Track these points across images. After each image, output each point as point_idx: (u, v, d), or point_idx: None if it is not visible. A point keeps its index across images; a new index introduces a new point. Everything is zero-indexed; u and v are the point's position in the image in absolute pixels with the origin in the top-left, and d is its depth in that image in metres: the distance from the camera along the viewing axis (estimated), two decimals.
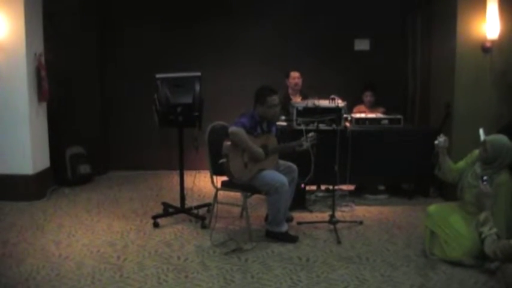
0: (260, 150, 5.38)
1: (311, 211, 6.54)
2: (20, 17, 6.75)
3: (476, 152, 4.85)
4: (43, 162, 7.36)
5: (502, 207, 4.47)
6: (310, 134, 5.72)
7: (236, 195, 6.05)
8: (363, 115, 7.16)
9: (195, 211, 6.15)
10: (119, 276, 4.52)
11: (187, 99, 5.88)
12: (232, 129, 5.29)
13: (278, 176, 5.37)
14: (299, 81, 7.74)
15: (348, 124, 6.87)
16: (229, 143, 5.31)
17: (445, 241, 4.76)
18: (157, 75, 5.93)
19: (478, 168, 4.74)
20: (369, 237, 5.57)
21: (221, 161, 5.41)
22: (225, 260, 4.92)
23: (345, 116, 6.64)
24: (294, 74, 7.75)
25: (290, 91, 7.78)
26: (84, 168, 8.15)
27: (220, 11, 8.72)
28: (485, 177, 4.29)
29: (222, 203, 5.86)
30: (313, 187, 7.32)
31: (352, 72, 8.62)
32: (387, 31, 8.70)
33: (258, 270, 4.65)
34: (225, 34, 8.79)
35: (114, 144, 8.95)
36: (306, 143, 5.64)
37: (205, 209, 6.34)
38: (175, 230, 5.78)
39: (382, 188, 7.31)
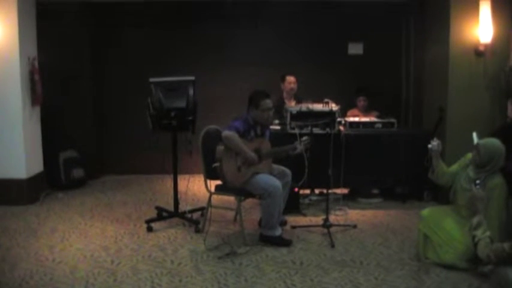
0: (253, 155, 5.37)
1: (305, 215, 6.53)
2: (13, 21, 6.75)
3: (469, 155, 4.86)
4: (36, 166, 7.34)
5: (495, 210, 4.49)
6: (304, 138, 5.73)
7: (230, 199, 6.05)
8: (356, 119, 7.17)
9: (189, 215, 6.14)
10: (113, 280, 4.51)
11: (181, 104, 5.89)
12: (226, 133, 5.29)
13: (272, 179, 5.37)
14: (295, 86, 7.71)
15: (341, 128, 6.88)
16: (222, 147, 5.32)
17: (439, 244, 4.76)
18: (151, 79, 5.93)
19: (471, 172, 4.76)
20: (363, 241, 5.57)
21: (214, 165, 5.40)
22: (219, 264, 4.91)
23: (338, 119, 6.66)
24: (290, 79, 7.72)
25: (285, 95, 7.77)
26: (78, 172, 8.14)
27: (215, 15, 8.73)
28: (477, 181, 4.31)
29: (215, 207, 5.86)
30: (307, 191, 7.32)
31: (346, 76, 8.65)
32: (380, 35, 8.73)
33: (252, 274, 4.65)
34: (219, 38, 8.81)
35: (108, 148, 8.94)
36: (299, 146, 5.64)
37: (199, 213, 6.34)
38: (169, 234, 5.78)
39: (376, 191, 7.31)
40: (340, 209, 6.71)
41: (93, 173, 8.62)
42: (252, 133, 5.55)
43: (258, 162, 5.44)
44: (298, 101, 7.47)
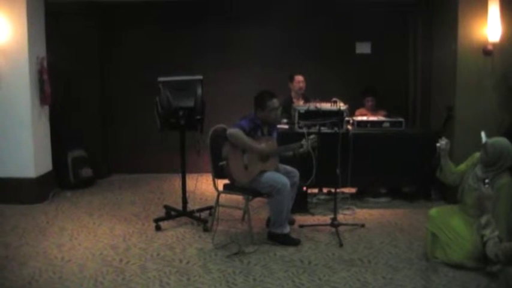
0: (262, 146, 5.40)
1: (313, 214, 6.54)
2: (22, 21, 6.78)
3: (477, 154, 4.85)
4: (45, 165, 7.38)
5: (503, 209, 4.47)
6: (312, 136, 5.71)
7: (238, 198, 6.06)
8: (364, 118, 7.16)
9: (197, 214, 6.15)
10: (121, 279, 4.53)
11: (189, 103, 5.91)
12: (230, 131, 5.32)
13: (279, 177, 5.38)
14: (303, 85, 7.73)
15: (349, 127, 6.89)
16: (228, 146, 5.33)
17: (447, 244, 4.76)
18: (159, 79, 5.95)
19: (479, 171, 4.75)
20: (371, 240, 5.57)
21: (221, 163, 5.41)
22: (227, 263, 4.92)
23: (346, 119, 6.66)
24: (298, 78, 7.74)
25: (293, 94, 7.79)
26: (86, 172, 8.16)
27: (222, 13, 8.74)
28: (487, 180, 4.29)
29: (224, 206, 5.89)
30: (315, 190, 7.32)
31: (354, 75, 8.62)
32: (388, 34, 8.72)
33: (260, 273, 4.66)
34: (227, 37, 8.81)
35: (116, 148, 8.96)
36: (305, 145, 5.60)
37: (207, 212, 6.34)
38: (177, 233, 5.79)
39: (383, 190, 7.31)
40: (348, 208, 6.71)
41: (101, 172, 8.65)
42: (259, 132, 5.55)
43: (266, 160, 5.46)
44: (306, 100, 7.48)
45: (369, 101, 7.79)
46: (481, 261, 4.49)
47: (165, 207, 6.46)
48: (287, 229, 5.47)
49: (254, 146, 5.37)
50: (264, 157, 5.48)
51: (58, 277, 4.56)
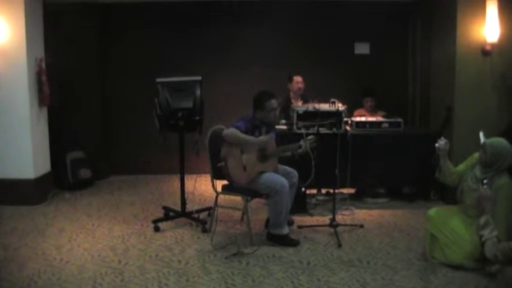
0: (261, 138, 5.42)
1: (312, 215, 6.54)
2: (20, 22, 6.78)
3: (476, 155, 4.85)
4: (44, 166, 7.37)
5: (502, 210, 4.47)
6: (310, 137, 5.71)
7: (237, 199, 6.05)
8: (363, 119, 7.15)
9: (196, 215, 6.15)
10: (120, 280, 4.53)
11: (188, 104, 5.90)
12: (225, 132, 5.34)
13: (278, 177, 5.37)
14: (302, 85, 7.73)
15: (348, 128, 6.88)
16: (226, 147, 5.33)
17: (446, 244, 4.75)
18: (158, 80, 5.95)
19: (477, 171, 4.75)
20: (370, 241, 5.57)
21: (220, 164, 5.40)
22: (226, 263, 4.92)
23: (345, 119, 6.65)
24: (297, 79, 7.74)
25: (292, 95, 7.78)
26: (85, 173, 8.16)
27: (221, 15, 8.75)
28: (485, 181, 4.30)
29: (222, 207, 5.88)
30: (314, 191, 7.32)
31: (353, 75, 8.63)
32: (387, 35, 8.72)
33: (259, 274, 4.66)
34: (226, 38, 8.81)
35: (115, 149, 8.96)
36: (304, 145, 5.60)
37: (206, 213, 6.34)
38: (176, 234, 5.79)
39: (382, 191, 7.31)
40: (346, 209, 6.70)
41: (100, 173, 8.63)
42: (257, 133, 5.54)
43: (264, 161, 5.46)
44: (305, 100, 7.47)
45: (368, 102, 7.78)
46: (480, 262, 4.49)
47: (164, 208, 6.45)
48: (286, 230, 5.47)
49: (251, 139, 5.37)
50: (263, 158, 5.48)
51: (57, 278, 4.56)
